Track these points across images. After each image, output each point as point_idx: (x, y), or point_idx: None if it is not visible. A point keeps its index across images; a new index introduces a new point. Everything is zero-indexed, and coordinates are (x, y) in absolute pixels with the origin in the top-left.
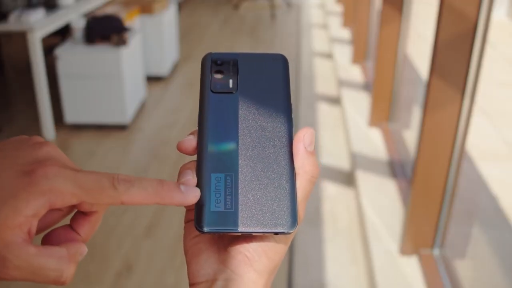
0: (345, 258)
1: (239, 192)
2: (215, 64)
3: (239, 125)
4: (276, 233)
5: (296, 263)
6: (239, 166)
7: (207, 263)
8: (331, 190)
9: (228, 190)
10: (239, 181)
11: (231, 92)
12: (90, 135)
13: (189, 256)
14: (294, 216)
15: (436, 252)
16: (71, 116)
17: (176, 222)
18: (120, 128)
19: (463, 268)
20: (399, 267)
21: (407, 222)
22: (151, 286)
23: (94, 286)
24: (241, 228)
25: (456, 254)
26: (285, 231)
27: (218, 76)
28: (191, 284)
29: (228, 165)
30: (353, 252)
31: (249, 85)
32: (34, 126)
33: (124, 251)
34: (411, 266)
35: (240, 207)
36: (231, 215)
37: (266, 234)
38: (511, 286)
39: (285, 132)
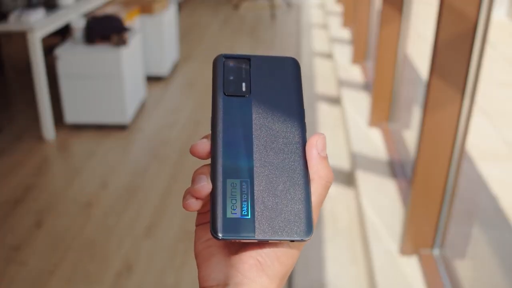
0: (345, 258)
1: (255, 198)
2: (227, 66)
3: (253, 130)
4: (292, 241)
5: (296, 263)
6: (254, 172)
7: (218, 267)
8: (331, 190)
9: (244, 196)
10: (255, 187)
11: (244, 96)
12: (90, 135)
13: (200, 259)
14: (309, 223)
15: (436, 252)
16: (71, 116)
17: (176, 222)
18: (120, 128)
19: (463, 268)
20: (399, 267)
21: (407, 222)
22: (151, 286)
23: (94, 286)
24: (258, 236)
25: (456, 254)
26: (301, 238)
27: (231, 78)
28: None
29: (243, 171)
30: (353, 252)
31: (262, 89)
32: (34, 126)
33: (124, 251)
34: (411, 266)
35: (256, 214)
36: (248, 222)
37: (282, 241)
38: (511, 286)
39: (299, 137)
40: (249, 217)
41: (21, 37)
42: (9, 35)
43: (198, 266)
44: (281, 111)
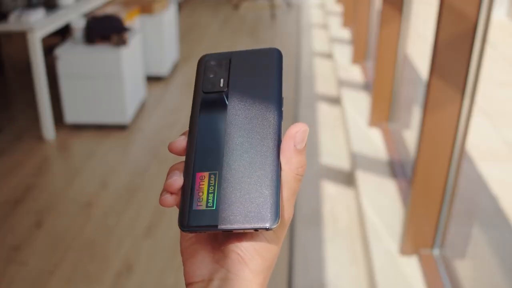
0: (345, 258)
1: (221, 190)
2: (208, 65)
3: (227, 123)
4: (256, 229)
5: (296, 263)
6: (223, 164)
7: (202, 263)
8: (331, 190)
9: (211, 188)
10: (222, 179)
11: (222, 91)
12: (90, 135)
13: (185, 256)
14: (275, 212)
15: (436, 252)
16: (71, 116)
17: (176, 222)
18: (120, 128)
19: (463, 268)
20: (399, 267)
21: (407, 222)
22: (151, 286)
23: (94, 286)
24: (221, 225)
25: (456, 254)
26: (266, 226)
27: (210, 76)
28: (187, 284)
29: (213, 164)
30: (353, 252)
31: (240, 82)
32: (34, 126)
33: (124, 251)
34: (411, 266)
35: (220, 205)
36: (212, 213)
37: (246, 230)
38: (511, 286)
39: (273, 128)
40: (214, 208)
41: (21, 37)
42: (9, 35)
43: (184, 263)
44: (257, 103)
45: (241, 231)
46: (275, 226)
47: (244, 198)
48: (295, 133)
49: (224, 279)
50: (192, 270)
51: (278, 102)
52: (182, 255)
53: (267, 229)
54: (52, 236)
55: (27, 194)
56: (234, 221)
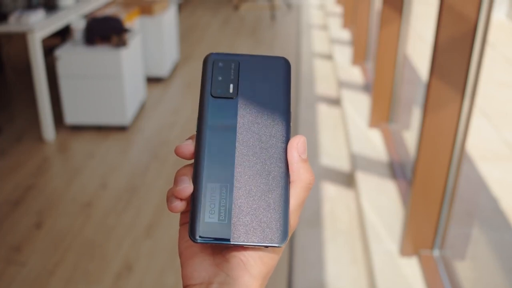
0: (345, 259)
1: (233, 203)
2: (217, 66)
3: (237, 134)
4: (266, 246)
5: (296, 263)
6: (234, 176)
7: (201, 266)
8: (331, 191)
9: (223, 201)
10: (234, 192)
11: (231, 98)
12: (90, 136)
13: (183, 258)
14: (285, 230)
15: (436, 253)
16: (71, 117)
17: (176, 222)
18: (120, 129)
19: (463, 269)
20: (399, 268)
21: (407, 222)
22: (151, 286)
23: (94, 286)
24: (233, 241)
25: (456, 255)
26: (276, 245)
27: (219, 79)
28: (185, 286)
29: (224, 175)
30: (353, 253)
31: (249, 91)
32: (34, 126)
33: (124, 251)
34: (411, 267)
35: (233, 219)
36: (224, 227)
37: (256, 246)
38: (511, 286)
39: (282, 141)
40: (226, 222)
41: (21, 38)
42: (9, 36)
43: (182, 264)
44: (267, 115)
45: (252, 246)
46: (284, 244)
47: (255, 214)
48: (296, 145)
49: (223, 283)
50: (190, 272)
51: (287, 117)
52: (180, 257)
53: (276, 247)
54: (52, 236)
55: (27, 194)
56: (246, 237)
